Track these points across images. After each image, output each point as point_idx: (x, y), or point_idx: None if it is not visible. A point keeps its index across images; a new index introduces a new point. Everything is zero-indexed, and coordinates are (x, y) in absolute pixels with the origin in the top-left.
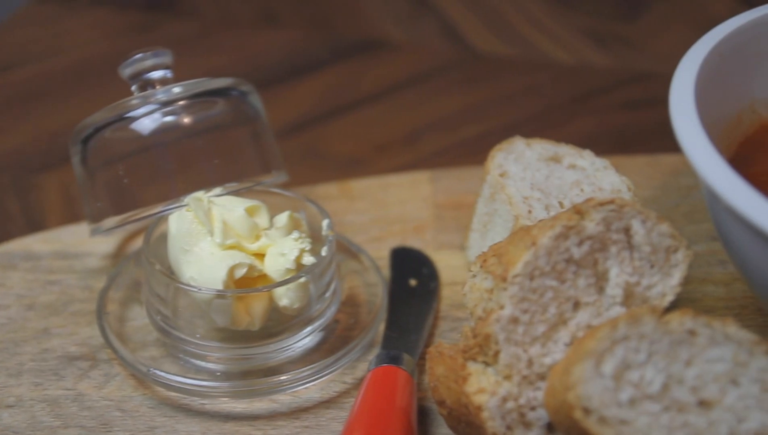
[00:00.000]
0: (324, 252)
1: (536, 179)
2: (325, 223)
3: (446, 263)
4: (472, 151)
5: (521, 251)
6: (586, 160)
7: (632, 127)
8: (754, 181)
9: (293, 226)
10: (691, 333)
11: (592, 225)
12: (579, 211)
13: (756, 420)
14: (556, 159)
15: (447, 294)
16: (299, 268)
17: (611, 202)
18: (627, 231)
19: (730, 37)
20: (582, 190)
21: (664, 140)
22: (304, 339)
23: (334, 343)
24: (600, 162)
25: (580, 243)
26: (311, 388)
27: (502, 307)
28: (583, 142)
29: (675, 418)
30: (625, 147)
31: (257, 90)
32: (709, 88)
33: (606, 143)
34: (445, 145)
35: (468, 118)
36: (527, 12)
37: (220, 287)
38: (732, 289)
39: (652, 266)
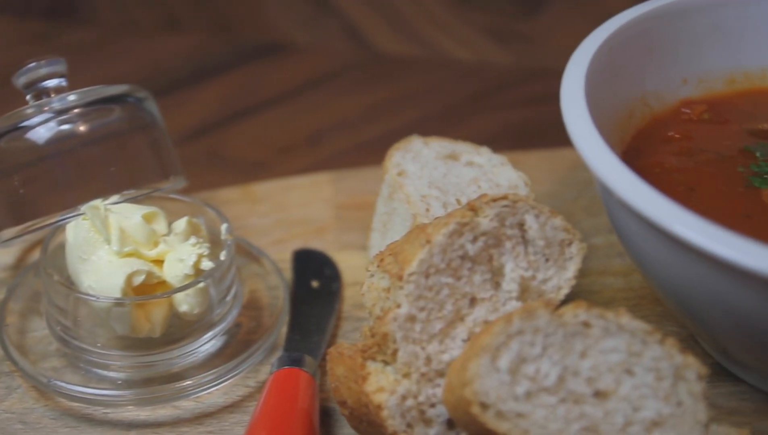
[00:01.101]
0: (223, 256)
1: (434, 177)
2: (223, 227)
3: (348, 264)
4: (375, 151)
5: (416, 249)
6: (483, 157)
7: (533, 123)
8: (647, 172)
9: (192, 231)
10: (585, 325)
11: (485, 221)
12: (473, 207)
13: (651, 409)
14: (453, 157)
15: (349, 294)
16: (198, 273)
17: (504, 197)
18: (521, 226)
19: (620, 31)
20: (479, 186)
21: (564, 135)
22: (207, 344)
23: (237, 347)
24: (497, 158)
25: (475, 239)
26: (214, 393)
27: (398, 306)
28: (484, 139)
29: (571, 410)
30: (526, 143)
31: (159, 95)
32: (600, 82)
33: (507, 139)
34: (348, 145)
35: (370, 118)
36: (428, 11)
37: (118, 295)
38: (630, 280)
39: (546, 260)
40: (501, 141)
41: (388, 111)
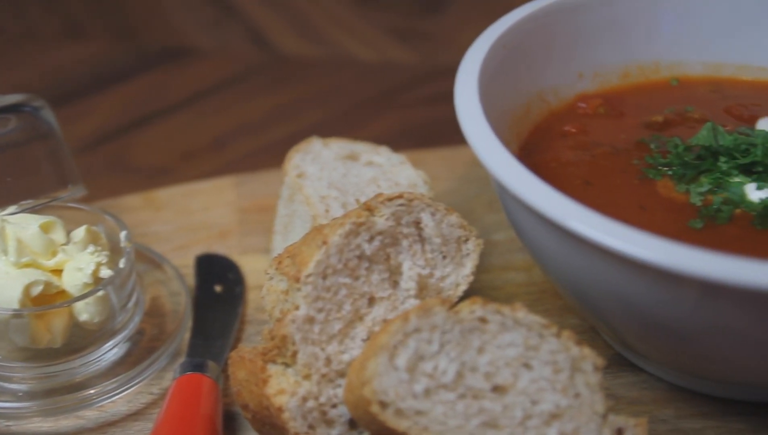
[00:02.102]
0: (122, 264)
1: (333, 178)
2: (122, 234)
3: (252, 267)
4: (279, 154)
5: (313, 251)
6: (382, 156)
7: (436, 122)
8: (544, 167)
9: (91, 240)
10: (482, 320)
11: (381, 220)
12: (368, 207)
13: (549, 401)
14: (353, 157)
15: (253, 298)
16: (97, 281)
17: (400, 196)
18: (417, 224)
19: (514, 28)
20: (379, 186)
21: None
22: (109, 352)
23: (140, 354)
24: (396, 157)
25: (371, 239)
26: (118, 401)
27: (297, 308)
28: (388, 138)
29: (470, 405)
30: (429, 141)
31: (62, 103)
32: (494, 78)
33: (411, 138)
34: (252, 149)
35: (274, 121)
36: (331, 12)
37: (16, 306)
38: (532, 275)
39: (444, 257)
40: (404, 140)
41: (292, 113)
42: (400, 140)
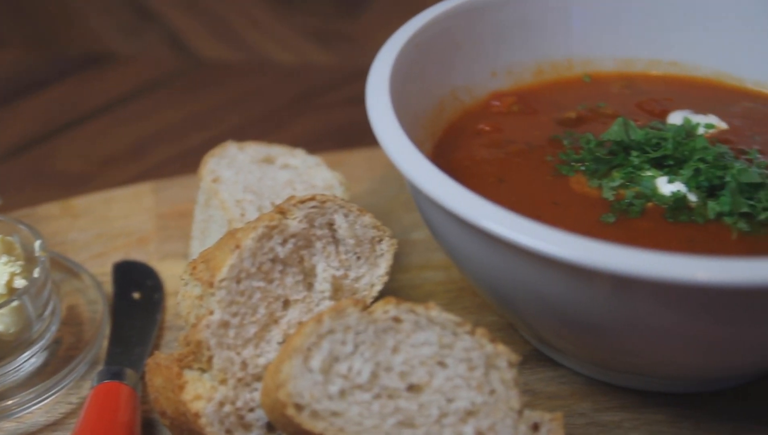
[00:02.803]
0: (36, 273)
1: (249, 182)
2: (37, 243)
3: (171, 273)
4: (199, 159)
5: (226, 255)
6: (298, 158)
7: (355, 123)
8: (458, 166)
9: (4, 250)
10: (396, 320)
11: (294, 223)
12: (281, 210)
13: (465, 399)
14: (269, 160)
15: (172, 304)
16: (11, 292)
17: (312, 198)
18: (330, 226)
19: (426, 28)
20: (294, 188)
21: None
22: (26, 362)
23: (57, 363)
24: (312, 159)
25: (284, 242)
26: (36, 412)
27: (211, 313)
28: (308, 140)
29: (386, 405)
30: (349, 142)
31: None
32: (407, 79)
33: (331, 140)
34: (172, 154)
35: (194, 126)
36: (250, 16)
37: None
38: (450, 273)
39: (358, 258)
40: (324, 142)
41: (212, 118)
42: (320, 142)
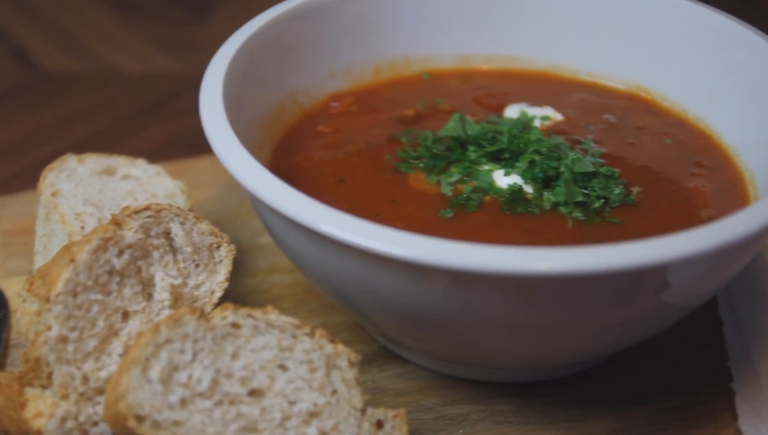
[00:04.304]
0: None
1: (89, 194)
2: None
3: (16, 290)
4: None
5: (62, 269)
6: (139, 168)
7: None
8: (298, 168)
9: None
10: (234, 326)
11: (130, 233)
12: (116, 221)
13: (307, 400)
14: (109, 171)
15: (17, 321)
16: None
17: (147, 208)
18: (167, 235)
19: (260, 33)
20: (136, 199)
21: None
22: None
23: None
24: (153, 169)
25: (120, 253)
26: None
27: (49, 328)
28: (157, 149)
29: (228, 411)
30: (197, 149)
31: None
32: (242, 84)
33: (179, 148)
34: (16, 170)
35: (39, 141)
36: (95, 25)
37: None
38: (297, 276)
39: (197, 266)
40: (172, 150)
41: (59, 131)
42: (167, 151)
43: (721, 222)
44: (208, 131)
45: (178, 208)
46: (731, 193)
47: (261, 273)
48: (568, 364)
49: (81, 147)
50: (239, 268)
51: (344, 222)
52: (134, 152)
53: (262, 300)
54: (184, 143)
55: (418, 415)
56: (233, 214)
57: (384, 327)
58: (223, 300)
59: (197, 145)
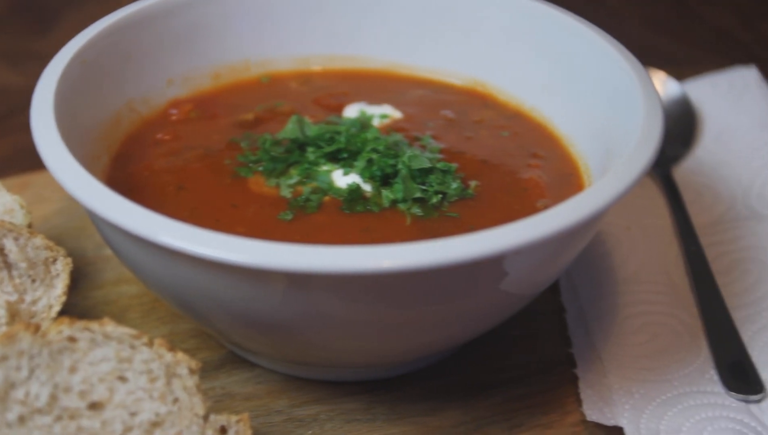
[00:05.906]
0: None
1: None
2: None
3: None
4: None
5: None
6: None
7: None
8: (137, 177)
9: None
10: (71, 340)
11: None
12: None
13: (149, 410)
14: None
15: None
16: None
17: None
18: (1, 251)
19: (92, 43)
20: None
21: None
22: None
23: None
24: None
25: None
26: None
27: None
28: (1, 164)
29: (68, 426)
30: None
31: None
32: (75, 95)
33: (22, 162)
34: None
35: None
36: None
37: None
38: (144, 286)
39: (33, 281)
40: (15, 164)
41: None
42: (13, 165)
43: (551, 211)
44: (39, 145)
45: (11, 223)
46: (567, 183)
47: (107, 284)
48: (415, 359)
49: None
50: (85, 280)
51: (178, 230)
52: None
53: (108, 312)
54: (25, 158)
55: (267, 418)
56: (78, 227)
57: (227, 333)
58: (69, 313)
59: (39, 159)
